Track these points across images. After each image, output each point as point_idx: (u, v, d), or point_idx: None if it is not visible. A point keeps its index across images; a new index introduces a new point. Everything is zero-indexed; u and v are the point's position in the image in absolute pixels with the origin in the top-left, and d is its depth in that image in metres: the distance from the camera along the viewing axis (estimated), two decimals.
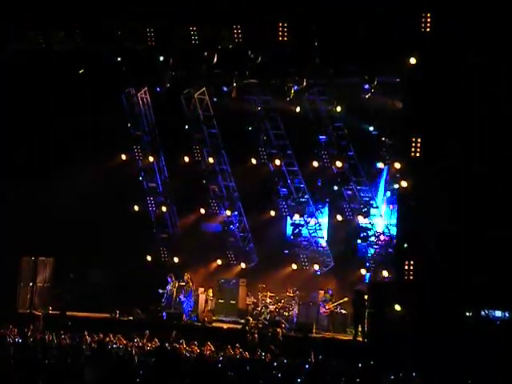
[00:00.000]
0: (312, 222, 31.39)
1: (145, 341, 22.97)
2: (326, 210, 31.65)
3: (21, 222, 29.36)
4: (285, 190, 31.82)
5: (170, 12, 24.80)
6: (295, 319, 28.38)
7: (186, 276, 29.55)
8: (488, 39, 22.28)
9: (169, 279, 29.49)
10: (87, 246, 30.27)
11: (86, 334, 22.85)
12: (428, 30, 22.90)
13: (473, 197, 22.65)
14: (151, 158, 32.63)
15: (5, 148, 29.27)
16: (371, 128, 29.28)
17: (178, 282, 29.74)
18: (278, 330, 25.48)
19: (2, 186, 29.59)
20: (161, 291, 29.39)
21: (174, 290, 29.29)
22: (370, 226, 29.76)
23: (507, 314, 23.32)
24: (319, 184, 31.30)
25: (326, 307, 27.91)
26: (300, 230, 31.48)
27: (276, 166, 31.64)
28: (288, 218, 31.99)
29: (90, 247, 30.31)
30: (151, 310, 28.87)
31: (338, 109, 28.56)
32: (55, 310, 28.67)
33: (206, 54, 25.69)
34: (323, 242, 31.44)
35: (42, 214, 29.51)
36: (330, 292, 28.34)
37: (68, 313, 28.20)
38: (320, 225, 31.49)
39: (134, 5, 24.89)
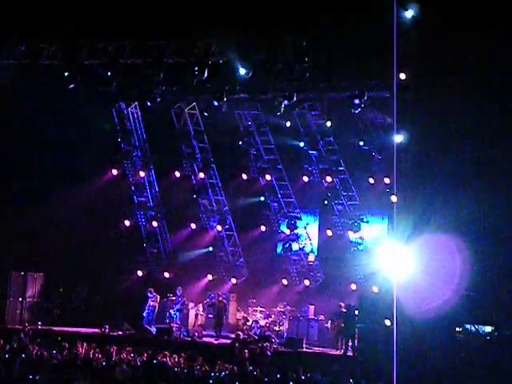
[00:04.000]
0: (302, 236, 31.41)
1: (131, 355, 22.79)
2: (316, 225, 31.70)
3: (10, 237, 29.26)
4: (275, 204, 31.90)
5: (160, 27, 24.83)
6: (285, 334, 28.30)
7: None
8: (478, 54, 22.36)
9: (149, 294, 29.00)
10: (77, 260, 30.18)
11: (77, 348, 22.77)
12: (417, 45, 23.01)
13: (461, 211, 22.70)
14: (142, 173, 32.59)
15: None
16: (361, 143, 29.40)
17: (166, 297, 29.67)
18: (260, 345, 25.27)
19: None
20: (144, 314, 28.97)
21: (156, 304, 29.08)
22: (360, 241, 29.82)
23: (496, 330, 23.32)
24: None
25: (336, 323, 26.91)
26: (290, 245, 31.51)
27: (266, 180, 31.72)
28: (278, 232, 32.02)
29: (80, 262, 30.22)
30: (141, 325, 28.70)
31: (329, 123, 28.63)
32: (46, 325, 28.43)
33: (196, 68, 25.75)
34: (313, 257, 31.46)
35: (31, 228, 29.42)
36: (341, 307, 26.77)
37: (57, 328, 28.00)
38: (310, 239, 31.51)
39: (125, 20, 24.89)
